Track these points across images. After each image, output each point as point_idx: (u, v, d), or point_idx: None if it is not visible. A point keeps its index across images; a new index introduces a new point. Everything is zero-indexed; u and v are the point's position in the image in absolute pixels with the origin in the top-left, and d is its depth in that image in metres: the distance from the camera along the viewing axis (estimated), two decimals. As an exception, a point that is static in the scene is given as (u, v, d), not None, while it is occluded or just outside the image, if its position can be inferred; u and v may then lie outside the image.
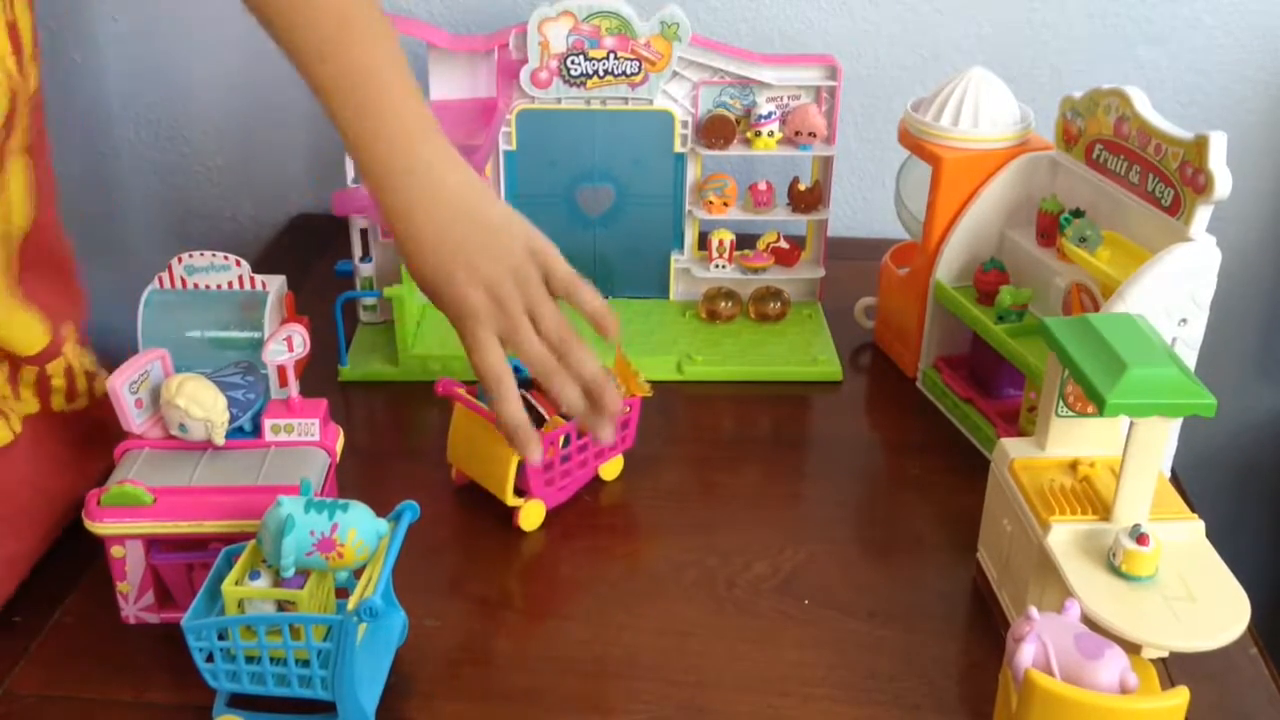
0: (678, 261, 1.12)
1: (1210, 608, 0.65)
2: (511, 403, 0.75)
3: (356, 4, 0.75)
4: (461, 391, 0.85)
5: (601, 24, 1.01)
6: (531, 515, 0.84)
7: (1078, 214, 0.89)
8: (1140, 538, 0.66)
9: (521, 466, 0.82)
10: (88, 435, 0.84)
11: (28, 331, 0.78)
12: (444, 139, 0.76)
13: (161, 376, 0.76)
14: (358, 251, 1.07)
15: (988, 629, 0.76)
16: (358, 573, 0.67)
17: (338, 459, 0.78)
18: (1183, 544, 0.69)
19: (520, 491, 0.84)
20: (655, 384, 0.90)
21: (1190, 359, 0.82)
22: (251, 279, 0.85)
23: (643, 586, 0.80)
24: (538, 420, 0.82)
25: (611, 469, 0.90)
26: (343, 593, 0.69)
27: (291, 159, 1.37)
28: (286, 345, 0.76)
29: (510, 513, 0.85)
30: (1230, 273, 0.84)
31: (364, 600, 0.63)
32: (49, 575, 0.79)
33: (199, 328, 0.84)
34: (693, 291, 1.13)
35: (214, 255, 0.84)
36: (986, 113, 0.96)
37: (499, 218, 0.77)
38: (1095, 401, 0.66)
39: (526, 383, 0.82)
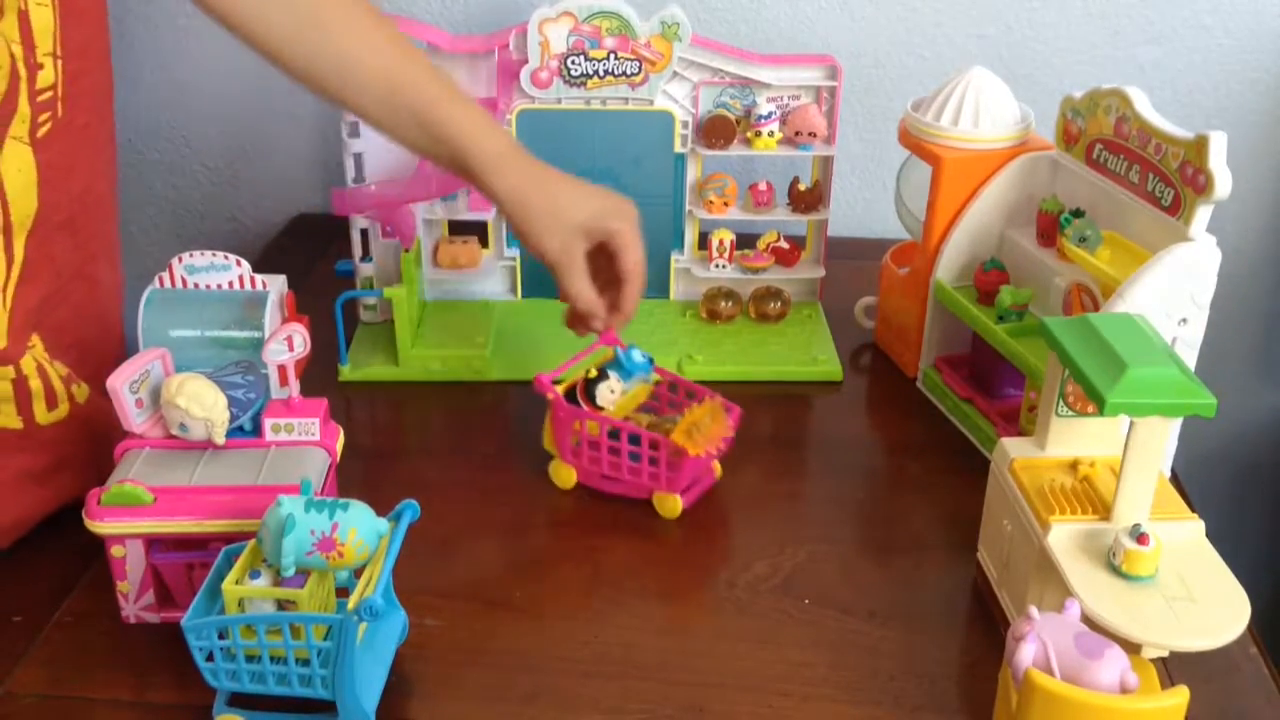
0: (678, 261, 1.12)
1: (1210, 608, 0.65)
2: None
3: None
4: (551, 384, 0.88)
5: (602, 24, 1.01)
6: (560, 473, 0.88)
7: (1078, 214, 0.89)
8: (1140, 537, 0.66)
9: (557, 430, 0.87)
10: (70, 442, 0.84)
11: None
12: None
13: (161, 376, 0.76)
14: (358, 251, 1.07)
15: (988, 629, 0.76)
16: (358, 572, 0.67)
17: (338, 459, 0.78)
18: (1183, 544, 0.69)
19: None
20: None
21: (1190, 359, 0.82)
22: (252, 279, 0.85)
23: (643, 586, 0.80)
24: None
25: (669, 507, 0.86)
26: (343, 592, 0.69)
27: (291, 159, 1.37)
28: (287, 345, 0.76)
29: (512, 513, 0.86)
30: (1230, 273, 0.84)
31: (364, 600, 0.63)
32: (49, 575, 0.79)
33: (199, 328, 0.83)
34: (693, 291, 1.13)
35: (214, 255, 0.84)
36: (987, 113, 0.96)
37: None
38: (1095, 401, 0.66)
39: (602, 375, 0.87)
